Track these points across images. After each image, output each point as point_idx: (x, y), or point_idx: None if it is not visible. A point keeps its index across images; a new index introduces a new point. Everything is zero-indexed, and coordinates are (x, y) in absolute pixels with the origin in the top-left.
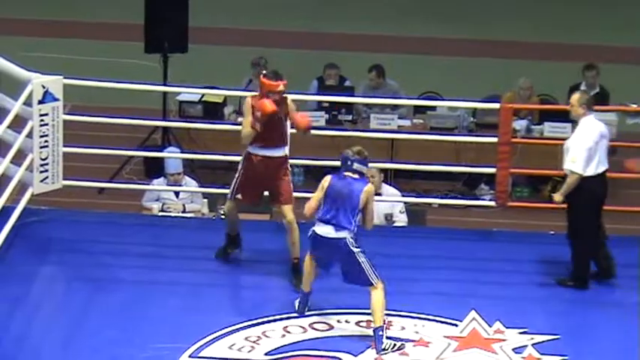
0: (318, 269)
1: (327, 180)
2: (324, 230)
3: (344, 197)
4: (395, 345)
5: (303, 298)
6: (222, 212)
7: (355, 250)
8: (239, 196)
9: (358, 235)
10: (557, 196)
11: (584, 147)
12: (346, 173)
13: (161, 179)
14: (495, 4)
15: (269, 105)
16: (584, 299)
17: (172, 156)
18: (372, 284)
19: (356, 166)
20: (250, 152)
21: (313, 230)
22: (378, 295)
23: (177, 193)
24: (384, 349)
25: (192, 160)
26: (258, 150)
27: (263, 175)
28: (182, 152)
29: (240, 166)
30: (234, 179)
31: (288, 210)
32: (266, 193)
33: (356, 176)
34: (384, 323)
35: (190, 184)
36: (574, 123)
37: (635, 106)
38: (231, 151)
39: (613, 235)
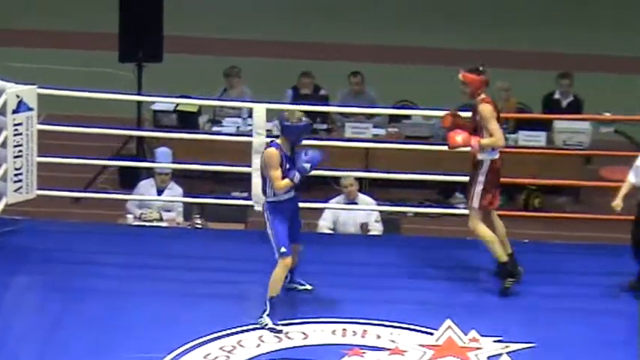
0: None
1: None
2: None
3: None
4: (273, 328)
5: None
6: (198, 223)
7: (267, 217)
8: (484, 202)
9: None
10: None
11: None
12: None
13: (149, 180)
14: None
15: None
16: (563, 308)
17: (156, 166)
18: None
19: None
20: (491, 158)
21: None
22: (276, 270)
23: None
24: (259, 323)
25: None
26: (495, 153)
27: (500, 175)
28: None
29: (478, 175)
30: (475, 189)
31: None
32: None
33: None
34: (272, 299)
35: (176, 190)
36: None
37: (608, 114)
38: (206, 161)
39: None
